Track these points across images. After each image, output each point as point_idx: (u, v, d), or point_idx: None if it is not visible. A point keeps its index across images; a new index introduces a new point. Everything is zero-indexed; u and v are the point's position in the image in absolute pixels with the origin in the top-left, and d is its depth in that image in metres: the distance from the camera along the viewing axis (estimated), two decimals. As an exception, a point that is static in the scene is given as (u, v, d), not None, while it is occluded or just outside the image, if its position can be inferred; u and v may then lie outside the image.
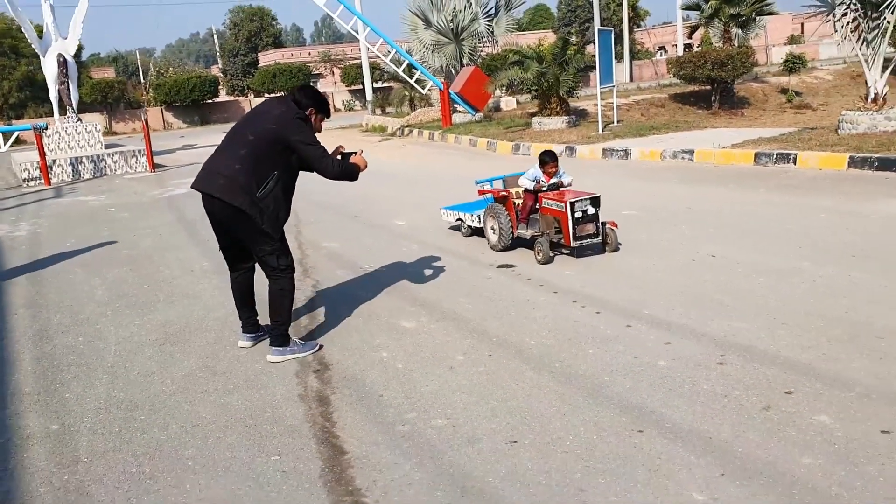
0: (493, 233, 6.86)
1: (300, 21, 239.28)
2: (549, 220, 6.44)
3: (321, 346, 4.67)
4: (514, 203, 6.78)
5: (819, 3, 12.35)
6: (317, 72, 57.33)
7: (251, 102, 49.78)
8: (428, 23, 22.73)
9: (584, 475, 2.95)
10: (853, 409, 3.29)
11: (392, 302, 5.53)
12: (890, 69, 11.94)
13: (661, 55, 55.32)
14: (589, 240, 6.27)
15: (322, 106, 4.57)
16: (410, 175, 13.45)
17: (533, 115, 18.88)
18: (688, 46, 41.17)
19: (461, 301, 5.38)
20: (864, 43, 11.80)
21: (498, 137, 16.85)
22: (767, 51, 42.46)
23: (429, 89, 25.04)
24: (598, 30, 16.32)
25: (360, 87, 43.87)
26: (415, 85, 24.88)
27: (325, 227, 8.73)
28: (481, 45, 23.91)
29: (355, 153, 4.62)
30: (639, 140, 14.20)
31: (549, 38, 47.21)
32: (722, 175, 10.26)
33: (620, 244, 6.52)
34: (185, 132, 37.09)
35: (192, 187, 4.47)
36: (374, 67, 36.66)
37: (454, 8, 22.49)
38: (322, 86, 59.09)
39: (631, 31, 45.05)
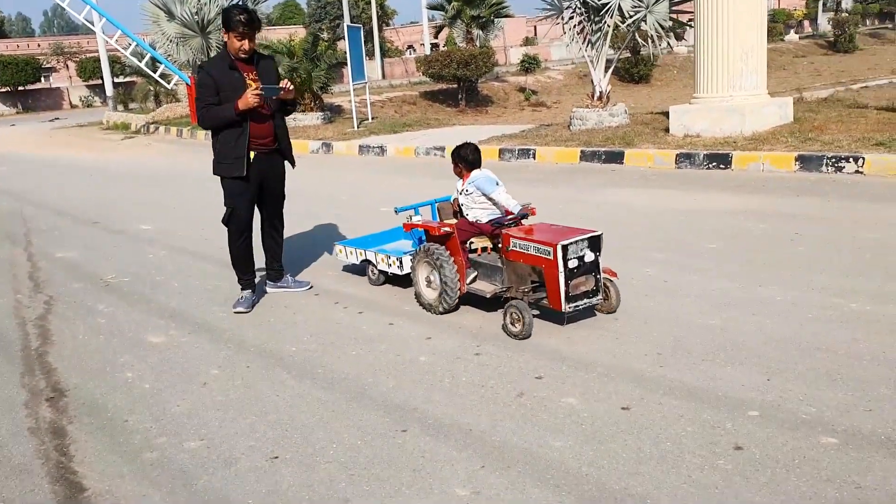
0: (431, 287, 4.77)
1: (27, 10, 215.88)
2: (523, 272, 4.45)
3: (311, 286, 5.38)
4: (462, 245, 4.71)
5: (549, 7, 13.32)
6: (48, 65, 52.15)
7: (-32, 99, 44.25)
8: (171, 15, 21.40)
9: (349, 484, 2.88)
10: (596, 389, 3.53)
11: (137, 315, 5.11)
12: (612, 69, 13.18)
13: (410, 53, 56.90)
14: (587, 300, 4.27)
15: (225, 22, 4.72)
16: (158, 175, 12.62)
17: (286, 111, 18.58)
18: (435, 46, 42.82)
19: (215, 310, 5.10)
20: (590, 45, 12.91)
21: (251, 135, 16.33)
22: (506, 51, 45.32)
23: (175, 84, 23.71)
24: (348, 26, 16.42)
25: (100, 82, 40.65)
26: (159, 80, 23.47)
27: (60, 234, 7.91)
28: (229, 38, 23.00)
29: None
30: (393, 137, 14.44)
31: (299, 33, 46.68)
32: (472, 170, 10.70)
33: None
34: None
35: None
36: (114, 61, 34.06)
37: (198, 0, 21.41)
38: (56, 81, 53.94)
39: (380, 30, 45.89)
